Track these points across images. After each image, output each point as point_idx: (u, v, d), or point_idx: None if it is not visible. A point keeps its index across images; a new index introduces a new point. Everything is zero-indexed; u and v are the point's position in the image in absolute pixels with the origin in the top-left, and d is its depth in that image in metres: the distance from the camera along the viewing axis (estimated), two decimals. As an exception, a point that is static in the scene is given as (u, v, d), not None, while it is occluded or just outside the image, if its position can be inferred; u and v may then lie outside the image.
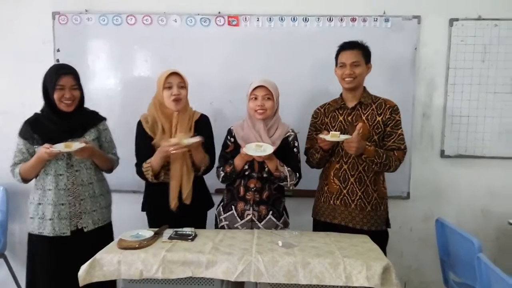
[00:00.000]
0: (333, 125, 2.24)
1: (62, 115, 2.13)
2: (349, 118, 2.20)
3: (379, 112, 2.17)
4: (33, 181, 2.19)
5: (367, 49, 2.20)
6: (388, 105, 2.18)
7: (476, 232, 2.09)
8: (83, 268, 1.75)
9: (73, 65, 2.79)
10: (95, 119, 2.29)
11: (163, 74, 2.18)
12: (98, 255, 1.78)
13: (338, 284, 1.69)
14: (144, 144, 2.20)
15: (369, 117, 2.17)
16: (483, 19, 2.72)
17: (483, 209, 2.87)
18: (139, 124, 2.25)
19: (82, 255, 2.05)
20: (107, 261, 1.76)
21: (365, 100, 2.20)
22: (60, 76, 2.09)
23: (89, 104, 2.46)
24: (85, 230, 2.17)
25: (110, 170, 2.36)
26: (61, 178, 2.13)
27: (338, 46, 2.24)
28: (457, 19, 2.73)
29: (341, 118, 2.22)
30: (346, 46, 2.19)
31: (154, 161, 2.13)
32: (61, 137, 2.10)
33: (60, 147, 2.00)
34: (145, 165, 2.16)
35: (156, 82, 2.24)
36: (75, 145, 2.02)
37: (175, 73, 2.17)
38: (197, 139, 2.08)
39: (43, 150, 1.99)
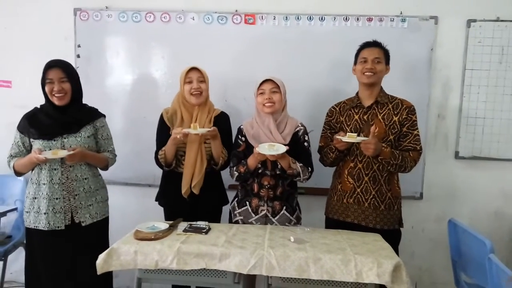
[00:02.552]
0: (348, 123, 2.24)
1: (59, 110, 2.18)
2: (365, 117, 2.21)
3: (395, 112, 2.18)
4: (29, 174, 2.24)
5: (387, 51, 2.22)
6: (405, 105, 2.18)
7: (489, 234, 2.08)
8: (101, 257, 1.81)
9: (92, 60, 2.93)
10: (92, 115, 2.31)
11: (184, 70, 2.30)
12: (115, 245, 1.84)
13: (349, 280, 1.71)
14: (162, 133, 2.31)
15: (385, 116, 2.18)
16: (502, 20, 2.70)
17: (497, 211, 2.85)
18: (160, 115, 2.36)
19: (78, 248, 2.13)
20: (124, 251, 1.81)
21: (381, 99, 2.20)
22: (48, 70, 2.13)
23: (106, 99, 2.51)
24: (83, 224, 2.20)
25: (105, 168, 2.37)
26: (55, 172, 2.16)
27: (359, 45, 2.25)
28: (474, 20, 2.72)
29: (356, 117, 2.23)
30: (369, 43, 2.21)
31: (167, 148, 2.22)
32: (56, 132, 2.16)
33: (47, 154, 2.05)
34: (160, 152, 2.26)
35: (178, 78, 2.35)
36: (61, 152, 2.07)
37: (194, 68, 2.29)
38: (207, 129, 2.15)
39: (33, 154, 2.05)
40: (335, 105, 2.37)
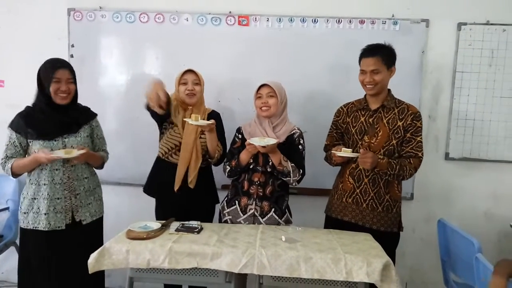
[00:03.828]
0: (354, 125, 2.26)
1: (57, 110, 2.16)
2: (370, 120, 2.22)
3: (400, 117, 2.18)
4: (25, 175, 2.20)
5: (390, 52, 2.18)
6: (410, 111, 2.18)
7: (479, 235, 2.09)
8: (93, 256, 1.81)
9: (86, 61, 2.93)
10: (89, 115, 2.32)
11: (181, 71, 2.34)
12: (107, 244, 1.84)
13: (339, 279, 1.73)
14: None
15: (390, 121, 2.18)
16: (491, 24, 2.74)
17: (486, 212, 2.89)
18: None
19: (77, 247, 2.12)
20: (116, 250, 1.82)
21: (388, 103, 2.20)
22: (57, 69, 2.12)
23: (100, 98, 2.51)
24: (84, 223, 2.21)
25: (101, 167, 2.38)
26: (57, 172, 2.15)
27: (361, 49, 2.22)
28: (465, 24, 2.76)
29: (362, 119, 2.25)
30: (367, 52, 2.18)
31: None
32: (56, 132, 2.15)
33: (60, 153, 2.05)
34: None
35: (172, 79, 2.36)
36: (75, 151, 2.07)
37: (190, 71, 2.33)
38: (207, 122, 2.17)
39: (42, 155, 2.02)
40: (344, 105, 2.38)
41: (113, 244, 1.84)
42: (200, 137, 2.32)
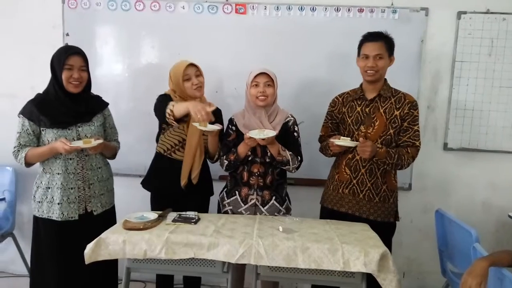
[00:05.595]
0: (350, 115, 2.24)
1: (70, 98, 2.12)
2: (367, 109, 2.20)
3: (397, 106, 2.16)
4: (38, 164, 2.16)
5: (391, 41, 2.17)
6: (407, 100, 2.17)
7: (476, 225, 2.09)
8: (89, 246, 1.80)
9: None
10: (101, 104, 2.30)
11: (179, 67, 2.24)
12: (103, 235, 1.83)
13: (336, 269, 1.73)
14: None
15: (387, 110, 2.17)
16: (491, 12, 2.71)
17: (484, 202, 2.89)
18: (165, 94, 2.27)
19: (89, 237, 2.10)
20: (112, 241, 1.81)
21: (384, 93, 2.18)
22: (69, 56, 2.07)
23: (96, 89, 2.49)
24: (95, 213, 2.20)
25: (113, 157, 2.38)
26: (70, 162, 2.13)
27: (362, 35, 2.20)
28: (465, 12, 2.72)
29: (358, 109, 2.22)
30: (370, 37, 2.15)
31: (179, 108, 2.06)
32: (70, 121, 2.12)
33: (78, 143, 2.03)
34: (170, 105, 2.09)
35: (170, 73, 2.30)
36: (93, 141, 2.04)
37: (191, 65, 2.25)
38: (217, 127, 2.13)
39: (60, 145, 1.98)
40: (339, 95, 2.35)
41: (109, 234, 1.84)
42: (203, 134, 2.28)
